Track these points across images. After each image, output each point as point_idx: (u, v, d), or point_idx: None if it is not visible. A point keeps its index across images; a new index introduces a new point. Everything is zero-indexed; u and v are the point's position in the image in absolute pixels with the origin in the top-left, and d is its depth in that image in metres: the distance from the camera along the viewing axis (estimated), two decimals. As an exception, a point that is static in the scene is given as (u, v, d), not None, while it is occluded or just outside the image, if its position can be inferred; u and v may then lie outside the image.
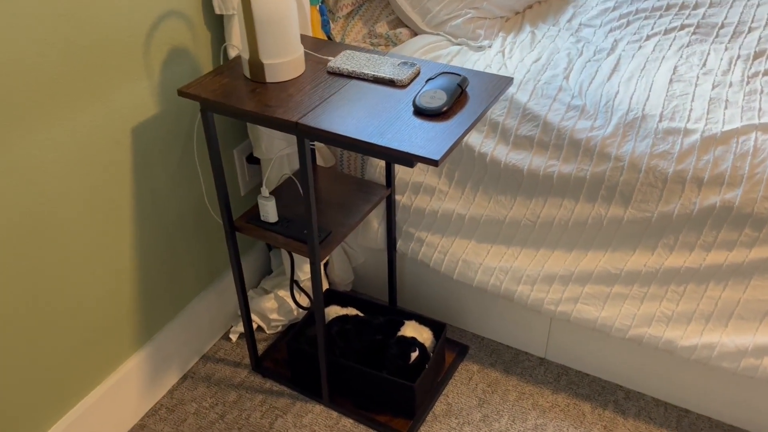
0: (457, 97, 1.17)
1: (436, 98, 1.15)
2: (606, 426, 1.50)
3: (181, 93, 1.24)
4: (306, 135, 1.15)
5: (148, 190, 1.40)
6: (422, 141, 1.07)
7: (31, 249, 1.19)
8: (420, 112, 1.14)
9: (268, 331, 1.75)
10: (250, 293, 1.78)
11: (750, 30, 1.64)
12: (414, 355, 1.48)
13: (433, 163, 1.03)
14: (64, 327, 1.30)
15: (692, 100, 1.39)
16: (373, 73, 1.24)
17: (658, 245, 1.35)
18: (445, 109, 1.13)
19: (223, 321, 1.74)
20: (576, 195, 1.39)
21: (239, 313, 1.78)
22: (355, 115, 1.14)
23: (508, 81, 1.23)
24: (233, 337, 1.74)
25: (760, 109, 1.34)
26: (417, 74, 1.26)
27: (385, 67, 1.26)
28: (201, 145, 1.50)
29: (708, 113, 1.35)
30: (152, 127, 1.36)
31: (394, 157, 1.08)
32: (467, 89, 1.21)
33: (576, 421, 1.51)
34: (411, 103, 1.17)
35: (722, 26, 1.66)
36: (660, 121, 1.35)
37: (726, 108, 1.36)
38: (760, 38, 1.60)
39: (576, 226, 1.41)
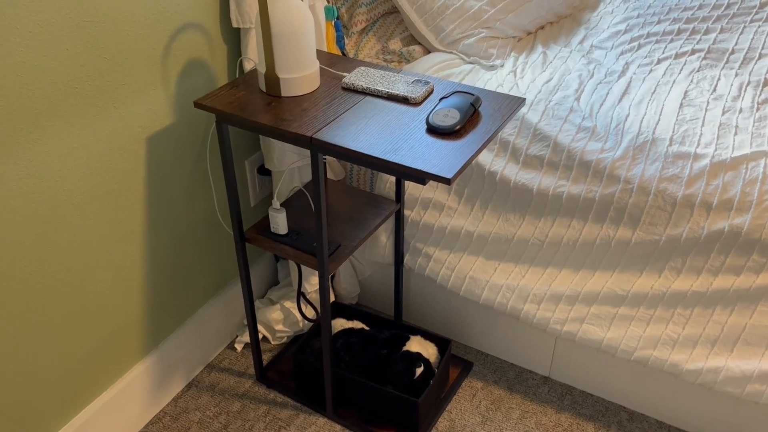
0: (470, 116, 1.18)
1: (449, 117, 1.16)
2: (609, 447, 1.50)
3: (198, 105, 1.25)
4: (320, 150, 1.17)
5: (161, 199, 1.41)
6: (435, 159, 1.09)
7: (41, 254, 1.20)
8: (433, 130, 1.16)
9: (273, 342, 1.76)
10: (256, 303, 1.78)
11: (761, 56, 1.65)
12: (419, 370, 1.49)
13: (446, 181, 1.05)
14: (72, 333, 1.31)
15: (702, 125, 1.40)
16: (387, 90, 1.26)
17: (666, 268, 1.36)
18: (458, 127, 1.15)
19: (228, 330, 1.75)
20: (585, 216, 1.40)
21: (245, 323, 1.78)
22: (368, 132, 1.16)
23: (520, 101, 1.25)
24: (238, 346, 1.74)
25: (769, 136, 1.35)
26: (430, 92, 1.27)
27: (399, 85, 1.27)
28: (213, 156, 1.52)
29: (718, 138, 1.36)
30: (166, 136, 1.38)
31: (407, 175, 1.09)
32: (480, 108, 1.22)
33: (579, 441, 1.51)
34: (424, 120, 1.19)
35: (733, 52, 1.68)
36: (670, 144, 1.36)
37: (736, 134, 1.37)
38: (770, 65, 1.61)
39: (584, 247, 1.42)
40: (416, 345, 1.55)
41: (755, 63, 1.63)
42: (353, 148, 1.12)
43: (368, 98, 1.26)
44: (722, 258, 1.30)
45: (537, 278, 1.48)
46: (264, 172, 1.68)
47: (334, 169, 1.64)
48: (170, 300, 1.53)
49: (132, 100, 1.27)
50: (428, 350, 1.56)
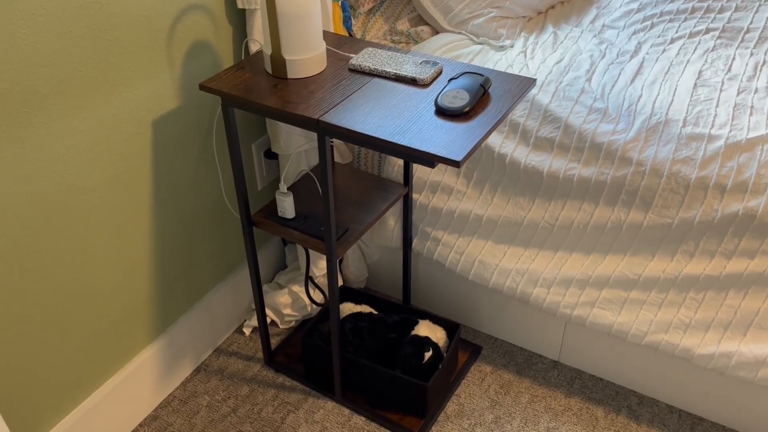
0: (480, 97, 1.16)
1: (458, 98, 1.14)
2: (619, 431, 1.49)
3: (203, 87, 1.24)
4: (327, 132, 1.15)
5: (167, 183, 1.40)
6: (444, 141, 1.07)
7: (49, 238, 1.20)
8: (442, 112, 1.14)
9: (281, 326, 1.75)
10: (264, 288, 1.78)
11: (776, 35, 1.62)
12: (428, 354, 1.48)
13: (455, 164, 1.03)
14: (80, 317, 1.31)
15: (717, 106, 1.37)
16: (395, 71, 1.23)
17: (678, 251, 1.34)
18: (467, 109, 1.13)
19: (237, 315, 1.74)
20: (596, 199, 1.38)
21: (253, 307, 1.78)
22: (376, 114, 1.14)
23: (531, 82, 1.22)
24: (247, 330, 1.74)
25: (786, 117, 1.33)
26: (439, 73, 1.25)
27: (407, 66, 1.25)
28: (220, 139, 1.50)
29: (733, 119, 1.34)
30: (172, 120, 1.37)
31: (415, 157, 1.08)
32: (490, 90, 1.20)
33: (588, 425, 1.50)
34: (433, 102, 1.17)
35: (748, 31, 1.64)
36: (684, 126, 1.33)
37: (751, 114, 1.34)
38: (786, 44, 1.58)
39: (595, 230, 1.40)
40: (425, 329, 1.55)
41: (771, 42, 1.59)
42: (361, 131, 1.10)
43: (376, 80, 1.24)
44: (736, 241, 1.28)
45: (547, 262, 1.47)
46: (271, 155, 1.67)
47: (341, 152, 1.63)
48: (178, 284, 1.52)
49: (137, 83, 1.26)
50: (437, 334, 1.55)
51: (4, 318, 1.16)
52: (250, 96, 1.20)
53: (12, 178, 1.10)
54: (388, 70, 1.24)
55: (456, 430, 1.50)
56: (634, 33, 1.68)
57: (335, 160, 1.62)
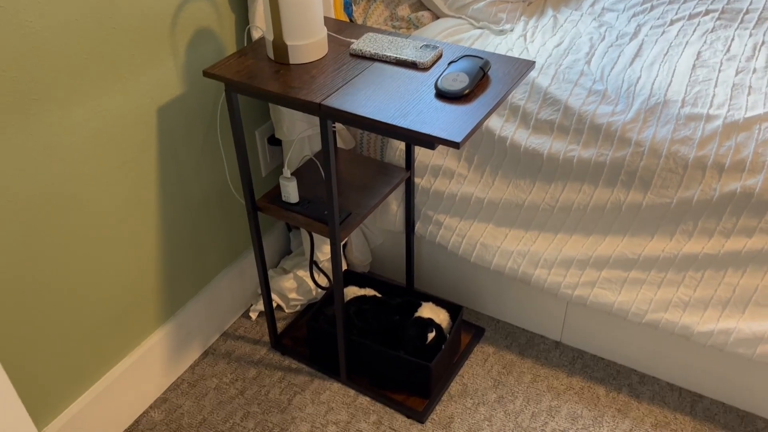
0: (479, 80, 1.17)
1: (458, 81, 1.15)
2: (620, 409, 1.52)
3: (206, 74, 1.26)
4: (329, 116, 1.17)
5: (173, 170, 1.43)
6: (444, 123, 1.09)
7: (58, 226, 1.22)
8: (442, 95, 1.15)
9: (287, 311, 1.78)
10: (269, 273, 1.81)
11: (776, 16, 1.62)
12: (431, 335, 1.51)
13: (455, 145, 1.05)
14: (90, 302, 1.34)
15: (715, 86, 1.38)
16: (395, 55, 1.25)
17: (677, 231, 1.35)
18: (467, 91, 1.14)
19: (243, 299, 1.77)
20: (595, 180, 1.40)
21: (259, 291, 1.81)
22: (377, 97, 1.16)
23: (530, 65, 1.24)
24: (253, 315, 1.77)
25: (783, 96, 1.34)
26: (439, 57, 1.27)
27: (408, 50, 1.26)
28: (224, 126, 1.52)
29: (731, 99, 1.35)
30: (177, 107, 1.39)
31: (416, 139, 1.09)
32: (489, 72, 1.21)
33: (590, 403, 1.53)
34: (433, 85, 1.18)
35: (747, 12, 1.65)
36: (682, 106, 1.35)
37: (749, 94, 1.35)
38: (786, 24, 1.58)
39: (595, 211, 1.42)
40: (428, 311, 1.57)
41: (770, 22, 1.60)
42: (362, 114, 1.12)
43: (377, 64, 1.26)
44: (734, 220, 1.29)
45: (548, 243, 1.49)
46: (275, 142, 1.69)
47: (344, 138, 1.65)
48: (185, 269, 1.55)
49: (142, 71, 1.28)
50: (440, 316, 1.57)
51: (19, 305, 1.19)
52: (252, 81, 1.21)
53: (21, 165, 1.12)
54: (389, 54, 1.26)
55: (459, 409, 1.53)
56: (634, 15, 1.69)
57: (338, 146, 1.64)
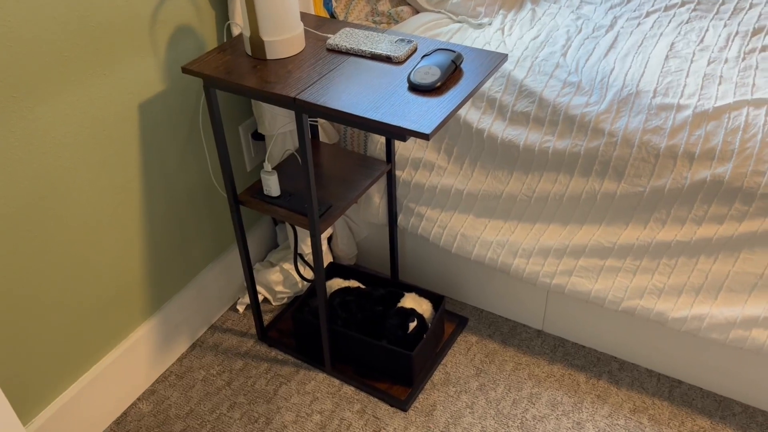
0: (451, 73, 1.20)
1: (430, 74, 1.18)
2: (599, 395, 1.54)
3: (185, 70, 1.28)
4: (303, 110, 1.19)
5: (157, 165, 1.45)
6: (415, 116, 1.11)
7: (43, 220, 1.25)
8: (414, 88, 1.18)
9: (273, 303, 1.81)
10: (256, 266, 1.83)
11: (751, 6, 1.64)
12: (412, 325, 1.53)
13: (424, 137, 1.07)
14: (76, 296, 1.36)
15: (687, 76, 1.41)
16: (370, 50, 1.27)
17: (651, 219, 1.38)
18: (438, 84, 1.17)
19: (231, 292, 1.80)
20: (570, 170, 1.42)
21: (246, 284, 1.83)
22: (351, 91, 1.18)
23: (502, 57, 1.26)
24: (240, 308, 1.80)
25: (753, 85, 1.36)
26: (414, 51, 1.29)
27: (383, 44, 1.29)
28: (207, 122, 1.55)
29: (701, 89, 1.37)
30: (159, 103, 1.41)
31: (387, 132, 1.12)
32: (462, 66, 1.24)
33: (570, 390, 1.56)
34: (406, 79, 1.21)
35: (723, 2, 1.67)
36: (654, 97, 1.37)
37: (720, 84, 1.38)
38: (760, 15, 1.60)
39: (570, 201, 1.44)
40: (410, 301, 1.60)
41: (745, 13, 1.62)
42: (335, 108, 1.14)
43: (352, 59, 1.28)
44: (705, 207, 1.32)
45: (526, 233, 1.51)
46: (259, 137, 1.71)
47: (327, 132, 1.67)
48: (171, 264, 1.58)
49: (122, 67, 1.30)
50: (422, 306, 1.60)
51: (2, 299, 1.22)
52: (230, 77, 1.24)
53: (2, 161, 1.15)
54: (364, 48, 1.28)
55: (442, 397, 1.56)
56: (611, 8, 1.71)
57: (322, 140, 1.67)
